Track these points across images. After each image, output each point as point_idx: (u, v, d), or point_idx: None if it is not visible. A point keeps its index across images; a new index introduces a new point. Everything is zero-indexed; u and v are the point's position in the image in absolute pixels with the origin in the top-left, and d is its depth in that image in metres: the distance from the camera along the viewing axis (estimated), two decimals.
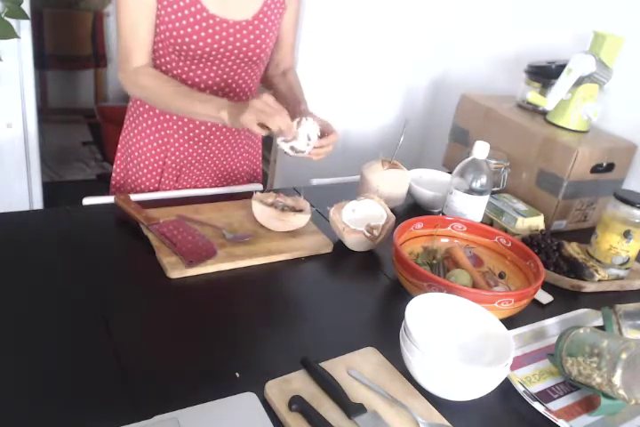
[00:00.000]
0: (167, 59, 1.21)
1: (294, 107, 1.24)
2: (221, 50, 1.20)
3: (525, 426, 0.82)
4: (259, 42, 1.23)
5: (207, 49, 1.18)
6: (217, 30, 1.17)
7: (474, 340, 0.88)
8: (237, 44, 1.21)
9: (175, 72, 1.23)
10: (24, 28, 1.88)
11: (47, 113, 3.58)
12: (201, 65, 1.22)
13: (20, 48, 1.91)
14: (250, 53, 1.23)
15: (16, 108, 1.99)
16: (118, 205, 1.16)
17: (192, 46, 1.17)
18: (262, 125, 1.06)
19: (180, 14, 1.14)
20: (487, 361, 0.84)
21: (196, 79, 1.24)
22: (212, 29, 1.17)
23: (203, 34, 1.16)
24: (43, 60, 3.43)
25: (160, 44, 1.20)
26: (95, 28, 3.57)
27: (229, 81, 1.27)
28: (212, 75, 1.24)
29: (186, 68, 1.22)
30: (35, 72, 2.02)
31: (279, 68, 1.40)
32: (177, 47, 1.18)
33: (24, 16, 1.81)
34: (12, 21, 1.79)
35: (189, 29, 1.15)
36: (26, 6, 1.82)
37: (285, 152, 1.15)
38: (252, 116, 1.05)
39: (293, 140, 1.11)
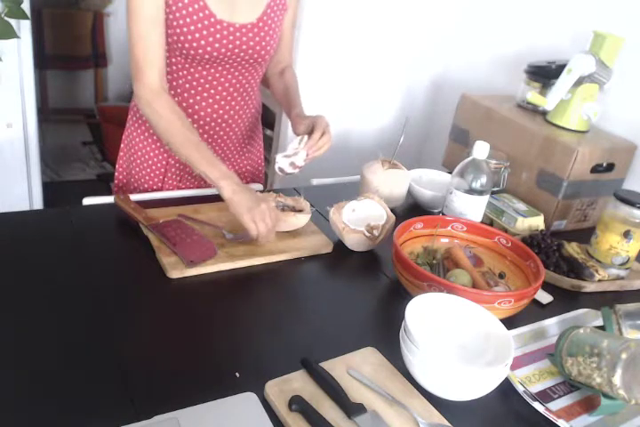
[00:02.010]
0: (173, 60, 1.22)
1: (288, 112, 1.32)
2: (228, 53, 1.20)
3: (525, 426, 0.82)
4: (263, 44, 1.24)
5: (215, 53, 1.19)
6: (224, 35, 1.18)
7: (474, 340, 0.89)
8: (243, 46, 1.21)
9: (181, 73, 1.23)
10: (24, 28, 1.88)
11: (47, 113, 3.58)
12: (207, 66, 1.22)
13: (20, 48, 1.91)
14: (255, 55, 1.24)
15: (16, 108, 1.99)
16: (118, 205, 1.16)
17: (200, 51, 1.18)
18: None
19: (188, 20, 1.15)
20: (487, 361, 0.84)
21: (202, 80, 1.24)
22: (220, 34, 1.17)
23: (211, 39, 1.17)
24: (43, 60, 3.43)
25: (167, 47, 1.20)
26: (95, 27, 3.57)
27: (234, 81, 1.27)
28: (217, 75, 1.24)
29: (192, 70, 1.23)
30: (35, 72, 2.02)
31: (277, 67, 1.41)
32: (184, 51, 1.18)
33: (24, 16, 1.81)
34: (12, 21, 1.79)
35: (197, 35, 1.16)
36: (26, 6, 1.82)
37: (281, 169, 1.21)
38: (249, 221, 1.06)
39: (294, 156, 1.18)
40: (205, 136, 1.32)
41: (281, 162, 1.20)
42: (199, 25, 1.16)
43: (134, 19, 1.14)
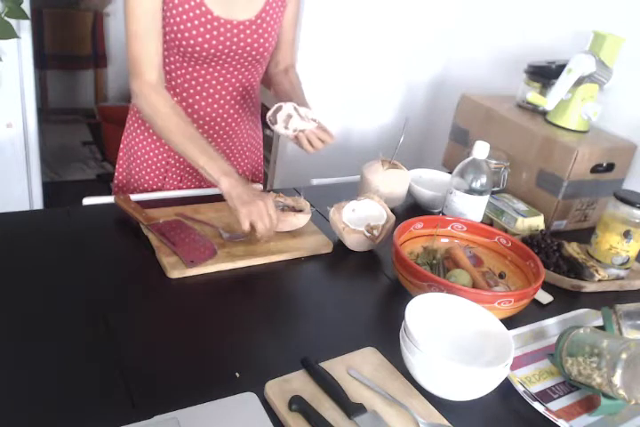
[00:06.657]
0: (172, 59, 1.22)
1: None
2: (226, 51, 1.20)
3: (525, 426, 0.83)
4: (262, 41, 1.23)
5: (212, 50, 1.19)
6: (222, 32, 1.18)
7: (474, 340, 0.88)
8: (241, 44, 1.21)
9: (179, 72, 1.23)
10: (24, 28, 1.88)
11: (47, 113, 3.59)
12: (205, 65, 1.22)
13: (20, 48, 1.91)
14: (254, 53, 1.24)
15: (16, 108, 1.99)
16: (118, 205, 1.16)
17: (197, 48, 1.17)
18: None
19: (185, 17, 1.15)
20: (487, 361, 0.84)
21: (200, 79, 1.24)
22: (217, 31, 1.17)
23: (208, 36, 1.17)
24: (43, 60, 3.44)
25: (165, 45, 1.20)
26: (95, 27, 3.58)
27: (233, 80, 1.27)
28: (215, 74, 1.24)
29: (190, 69, 1.22)
30: (35, 72, 2.02)
31: (279, 67, 1.40)
32: (182, 49, 1.18)
33: (24, 16, 1.81)
34: (12, 21, 1.79)
35: (194, 32, 1.16)
36: (26, 6, 1.82)
37: (292, 136, 1.18)
38: (245, 216, 1.04)
39: (290, 120, 1.15)
40: (205, 136, 1.31)
41: (282, 131, 1.17)
42: (196, 22, 1.15)
43: (131, 15, 1.14)
